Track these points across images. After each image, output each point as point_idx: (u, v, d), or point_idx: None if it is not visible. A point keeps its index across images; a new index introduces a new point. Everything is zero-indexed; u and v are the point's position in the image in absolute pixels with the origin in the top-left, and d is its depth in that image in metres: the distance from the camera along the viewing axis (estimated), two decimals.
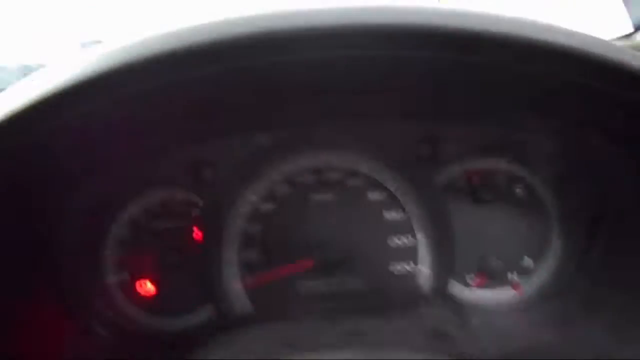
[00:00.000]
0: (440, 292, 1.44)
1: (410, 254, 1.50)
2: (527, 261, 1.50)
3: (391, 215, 1.51)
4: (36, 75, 0.79)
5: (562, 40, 0.76)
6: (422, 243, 1.50)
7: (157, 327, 1.50)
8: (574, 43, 0.76)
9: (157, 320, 1.51)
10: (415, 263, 1.50)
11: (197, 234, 1.49)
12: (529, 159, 1.49)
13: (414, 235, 1.50)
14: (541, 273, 1.51)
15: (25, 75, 0.85)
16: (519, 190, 1.50)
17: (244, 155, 1.38)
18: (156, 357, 1.39)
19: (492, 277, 1.48)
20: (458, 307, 1.45)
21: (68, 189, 1.35)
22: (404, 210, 1.50)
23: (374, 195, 1.51)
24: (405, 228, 1.50)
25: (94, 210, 1.47)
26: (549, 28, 0.78)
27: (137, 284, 1.50)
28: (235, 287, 1.49)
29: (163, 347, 1.45)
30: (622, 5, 2.06)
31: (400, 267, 1.50)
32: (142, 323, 1.50)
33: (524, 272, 1.51)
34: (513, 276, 1.50)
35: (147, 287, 1.50)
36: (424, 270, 1.50)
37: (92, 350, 1.40)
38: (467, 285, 1.51)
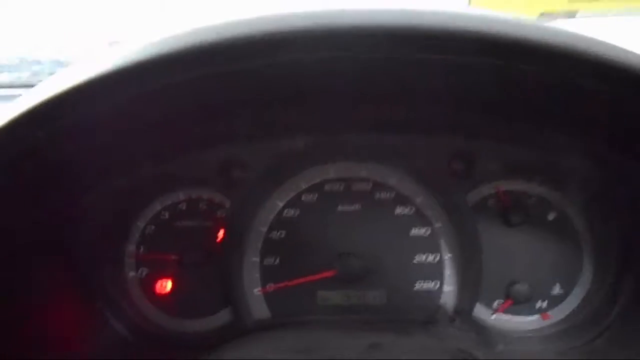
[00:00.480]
0: (465, 314, 1.39)
1: (435, 272, 1.46)
2: (557, 288, 1.45)
3: (418, 231, 1.48)
4: (68, 68, 0.79)
5: (621, 57, 0.73)
6: (448, 263, 1.46)
7: (174, 328, 1.48)
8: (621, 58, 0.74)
9: (174, 321, 1.49)
10: (441, 282, 1.46)
11: (220, 235, 1.48)
12: (562, 182, 1.45)
13: (440, 254, 1.46)
14: (570, 302, 1.45)
15: (57, 68, 0.85)
16: (550, 215, 1.46)
17: (275, 158, 1.38)
18: (172, 359, 1.37)
19: (519, 303, 1.43)
20: (483, 330, 1.40)
21: (95, 184, 1.35)
22: (432, 227, 1.47)
23: (402, 210, 1.49)
24: (432, 246, 1.47)
25: (120, 205, 1.47)
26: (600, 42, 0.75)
27: (156, 281, 1.49)
28: (255, 292, 1.47)
29: (179, 349, 1.43)
30: None
31: (424, 285, 1.46)
32: (158, 323, 1.48)
33: (553, 299, 1.45)
34: (542, 304, 1.45)
35: (166, 286, 1.49)
36: (449, 290, 1.45)
37: (108, 346, 1.39)
38: (492, 309, 1.46)
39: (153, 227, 1.51)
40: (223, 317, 1.47)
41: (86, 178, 1.26)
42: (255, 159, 1.38)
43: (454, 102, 1.11)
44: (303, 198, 1.49)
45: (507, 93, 0.96)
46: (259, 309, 1.46)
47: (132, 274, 1.50)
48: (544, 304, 1.45)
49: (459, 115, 1.24)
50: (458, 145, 1.36)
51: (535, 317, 1.46)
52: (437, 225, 1.47)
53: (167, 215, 1.52)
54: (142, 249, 1.50)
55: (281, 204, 1.49)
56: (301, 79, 0.91)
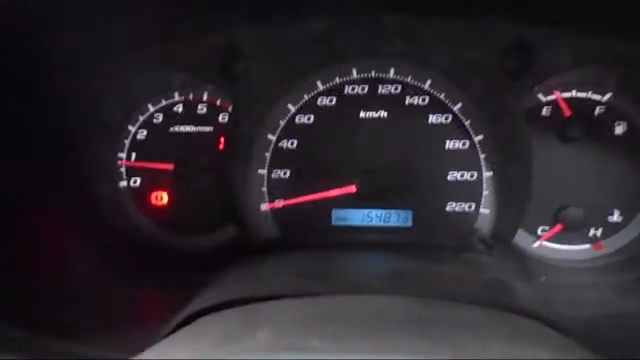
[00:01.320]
0: (504, 241, 1.19)
1: (472, 192, 1.24)
2: (616, 215, 1.23)
3: (455, 144, 1.24)
4: None
5: None
6: (488, 182, 1.24)
7: (172, 244, 1.34)
8: None
9: (172, 237, 1.34)
10: (478, 204, 1.25)
11: (222, 143, 1.27)
12: (639, 89, 1.18)
13: (479, 172, 1.24)
14: (630, 231, 1.24)
15: None
16: (618, 128, 1.21)
17: (283, 49, 1.12)
18: (169, 276, 1.23)
19: (571, 230, 1.22)
20: (523, 260, 1.21)
21: (84, 74, 1.15)
22: (471, 139, 1.23)
23: (436, 119, 1.24)
24: (470, 161, 1.24)
25: (106, 104, 1.27)
26: None
27: (151, 192, 1.32)
28: (262, 209, 1.29)
29: (178, 267, 1.28)
30: None
31: (458, 207, 1.25)
32: (154, 237, 1.33)
33: (609, 227, 1.24)
34: (596, 232, 1.24)
35: (162, 198, 1.32)
36: (486, 213, 1.25)
37: (100, 261, 1.26)
38: (537, 236, 1.25)
39: (145, 132, 1.32)
40: (227, 234, 1.31)
41: (70, 62, 1.06)
42: (258, 48, 1.12)
43: None
44: (319, 102, 1.26)
45: None
46: (267, 227, 1.29)
47: (123, 183, 1.32)
48: (598, 232, 1.24)
49: None
50: (515, 34, 1.07)
51: (586, 246, 1.25)
52: (478, 137, 1.23)
53: (160, 118, 1.31)
54: (133, 157, 1.32)
55: (293, 108, 1.26)
56: None
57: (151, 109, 1.31)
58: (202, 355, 0.50)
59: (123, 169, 1.32)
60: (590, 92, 1.20)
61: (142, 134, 1.31)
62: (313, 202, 1.26)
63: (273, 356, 0.47)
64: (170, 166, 1.29)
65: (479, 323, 0.67)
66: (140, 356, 0.57)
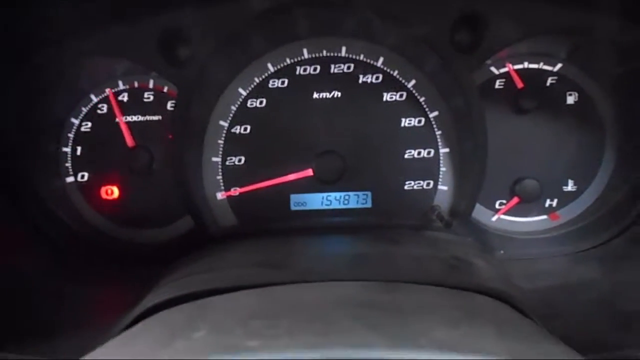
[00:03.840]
0: (463, 217, 1.19)
1: (429, 170, 1.24)
2: (570, 185, 1.24)
3: (410, 122, 1.23)
4: None
5: None
6: (445, 158, 1.23)
7: (126, 239, 1.28)
8: None
9: (125, 231, 1.28)
10: (436, 181, 1.24)
11: (172, 132, 1.22)
12: (590, 58, 1.18)
13: (436, 149, 1.23)
14: (584, 199, 1.25)
15: None
16: (571, 98, 1.21)
17: (227, 30, 1.07)
18: (126, 272, 1.19)
19: (527, 202, 1.23)
20: (482, 234, 1.22)
21: (18, 65, 1.08)
22: (426, 116, 1.22)
23: (390, 96, 1.22)
24: (426, 139, 1.23)
25: (46, 95, 1.20)
26: None
27: (100, 187, 1.26)
28: (218, 198, 1.25)
29: (133, 262, 1.23)
30: None
31: (416, 185, 1.24)
32: (107, 232, 1.28)
33: (564, 197, 1.25)
34: (552, 202, 1.25)
35: (113, 192, 1.26)
36: (444, 190, 1.24)
37: (51, 260, 1.20)
38: (495, 210, 1.26)
39: (89, 124, 1.25)
40: (183, 225, 1.26)
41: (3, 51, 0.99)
42: (203, 31, 1.07)
43: None
44: (270, 84, 1.22)
45: None
46: (224, 216, 1.26)
47: (69, 179, 1.26)
48: (554, 203, 1.25)
49: None
50: (465, 5, 1.05)
51: (543, 217, 1.27)
52: (433, 113, 1.22)
53: (105, 109, 1.25)
54: (78, 151, 1.25)
55: (244, 93, 1.22)
56: None
57: (94, 99, 1.24)
58: None
59: (69, 164, 1.25)
60: (541, 63, 1.20)
61: (87, 126, 1.25)
62: (270, 188, 1.23)
63: (204, 357, 0.45)
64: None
65: (431, 306, 0.67)
66: None
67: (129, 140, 1.23)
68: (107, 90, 1.24)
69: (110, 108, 1.24)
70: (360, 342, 0.45)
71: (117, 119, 1.24)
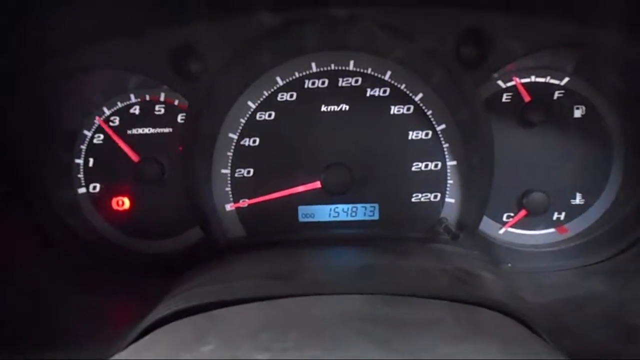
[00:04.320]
0: (470, 230, 1.20)
1: (437, 182, 1.24)
2: (578, 198, 1.24)
3: (418, 135, 1.24)
4: None
5: None
6: (453, 171, 1.24)
7: (136, 249, 1.30)
8: None
9: (135, 242, 1.30)
10: (443, 194, 1.25)
11: (182, 144, 1.24)
12: (596, 72, 1.18)
13: (443, 162, 1.24)
14: (592, 213, 1.25)
15: None
16: (578, 111, 1.21)
17: (237, 45, 1.09)
18: (134, 282, 1.20)
19: (534, 215, 1.23)
20: (490, 247, 1.22)
21: (34, 77, 1.10)
22: (433, 129, 1.23)
23: (398, 110, 1.23)
24: (433, 152, 1.23)
25: (59, 108, 1.22)
26: None
27: (112, 198, 1.28)
28: (227, 209, 1.27)
29: (143, 273, 1.25)
30: None
31: (423, 197, 1.25)
32: (117, 243, 1.30)
33: (572, 210, 1.25)
34: (560, 215, 1.25)
35: (124, 203, 1.28)
36: (451, 202, 1.25)
37: (62, 270, 1.22)
38: (502, 223, 1.26)
39: (102, 136, 1.27)
40: (192, 236, 1.28)
41: (19, 64, 1.02)
42: (213, 45, 1.09)
43: None
44: (279, 97, 1.24)
45: None
46: (232, 227, 1.27)
47: (81, 190, 1.28)
48: (562, 216, 1.25)
49: None
50: (471, 20, 1.06)
51: (550, 231, 1.27)
52: (441, 127, 1.23)
53: (117, 121, 1.27)
54: (91, 162, 1.28)
55: (253, 105, 1.24)
56: None
57: (107, 112, 1.27)
58: None
59: (81, 175, 1.28)
60: (548, 77, 1.21)
61: (99, 139, 1.27)
62: (279, 199, 1.24)
63: None
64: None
65: (436, 321, 0.67)
66: None
67: (133, 156, 1.25)
68: (119, 103, 1.27)
69: (122, 120, 1.27)
70: (366, 358, 0.45)
71: (128, 131, 1.26)
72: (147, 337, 0.66)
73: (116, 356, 0.63)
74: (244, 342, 0.52)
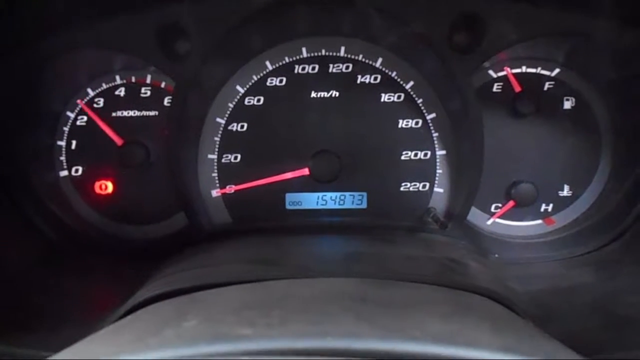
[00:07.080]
0: (458, 219, 1.19)
1: (426, 171, 1.23)
2: (566, 190, 1.24)
3: (408, 123, 1.23)
4: None
5: None
6: (442, 160, 1.23)
7: (119, 235, 1.27)
8: None
9: (119, 227, 1.27)
10: (432, 183, 1.24)
11: (168, 128, 1.22)
12: (587, 63, 1.18)
13: (432, 151, 1.23)
14: (580, 205, 1.25)
15: None
16: (568, 103, 1.21)
17: (227, 26, 1.06)
18: (118, 268, 1.17)
19: (522, 206, 1.23)
20: (477, 237, 1.21)
21: (16, 57, 1.07)
22: (423, 118, 1.22)
23: (388, 97, 1.22)
24: (423, 141, 1.23)
25: (42, 88, 1.19)
26: None
27: (94, 181, 1.25)
28: (212, 194, 1.24)
29: (127, 258, 1.22)
30: None
31: (412, 187, 1.24)
32: (100, 227, 1.27)
33: (560, 202, 1.25)
34: (547, 207, 1.25)
35: (107, 187, 1.25)
36: (440, 192, 1.24)
37: (44, 255, 1.19)
38: (490, 214, 1.26)
39: (85, 118, 1.24)
40: (177, 222, 1.25)
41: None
42: (201, 26, 1.06)
43: None
44: (268, 82, 1.21)
45: None
46: (218, 214, 1.25)
47: (63, 173, 1.25)
48: (550, 207, 1.25)
49: None
50: (465, 4, 1.05)
51: (538, 222, 1.26)
52: (431, 115, 1.22)
53: (101, 103, 1.24)
54: (73, 145, 1.24)
55: (242, 90, 1.22)
56: None
57: (91, 93, 1.24)
58: (119, 350, 0.47)
59: (63, 158, 1.25)
60: (539, 68, 1.20)
61: (82, 120, 1.24)
62: (266, 186, 1.22)
63: (194, 344, 0.44)
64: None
65: (426, 301, 0.66)
66: (57, 355, 0.53)
67: (116, 139, 1.22)
68: (104, 85, 1.23)
69: (106, 102, 1.23)
70: (355, 332, 0.44)
71: (113, 114, 1.23)
72: (128, 317, 0.64)
73: (97, 333, 0.61)
74: (227, 318, 0.50)
